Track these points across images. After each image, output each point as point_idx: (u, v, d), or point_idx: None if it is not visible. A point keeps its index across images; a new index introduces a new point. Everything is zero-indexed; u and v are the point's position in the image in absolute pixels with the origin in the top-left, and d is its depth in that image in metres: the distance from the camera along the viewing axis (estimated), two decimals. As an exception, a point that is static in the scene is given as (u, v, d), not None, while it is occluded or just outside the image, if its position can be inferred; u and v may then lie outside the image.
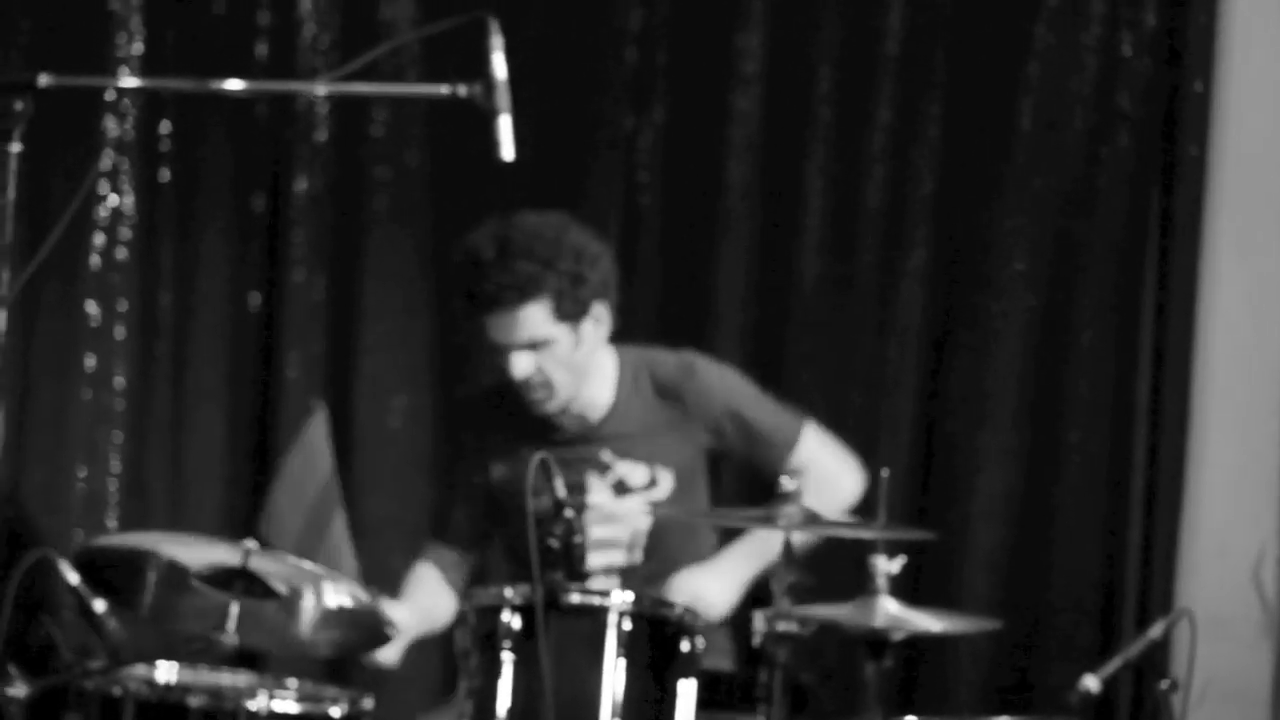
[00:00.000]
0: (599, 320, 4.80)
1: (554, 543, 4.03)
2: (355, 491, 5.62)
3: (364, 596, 4.53)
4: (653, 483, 4.89)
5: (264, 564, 4.36)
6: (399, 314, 5.72)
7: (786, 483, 4.21)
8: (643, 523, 4.88)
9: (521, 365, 4.70)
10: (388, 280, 5.71)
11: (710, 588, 4.68)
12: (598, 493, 4.86)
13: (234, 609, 4.39)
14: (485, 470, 4.87)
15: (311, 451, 5.03)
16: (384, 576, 5.41)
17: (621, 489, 4.88)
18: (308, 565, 4.48)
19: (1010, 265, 5.94)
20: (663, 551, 4.90)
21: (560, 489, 4.06)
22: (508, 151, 3.86)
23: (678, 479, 4.89)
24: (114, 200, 5.46)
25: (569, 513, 4.06)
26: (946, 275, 5.97)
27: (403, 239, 5.72)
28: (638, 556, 4.89)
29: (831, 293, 5.91)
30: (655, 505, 4.85)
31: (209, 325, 5.60)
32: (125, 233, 5.47)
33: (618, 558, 4.87)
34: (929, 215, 5.93)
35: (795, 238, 5.89)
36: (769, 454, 4.87)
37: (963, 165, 5.96)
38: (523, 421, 4.84)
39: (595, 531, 4.85)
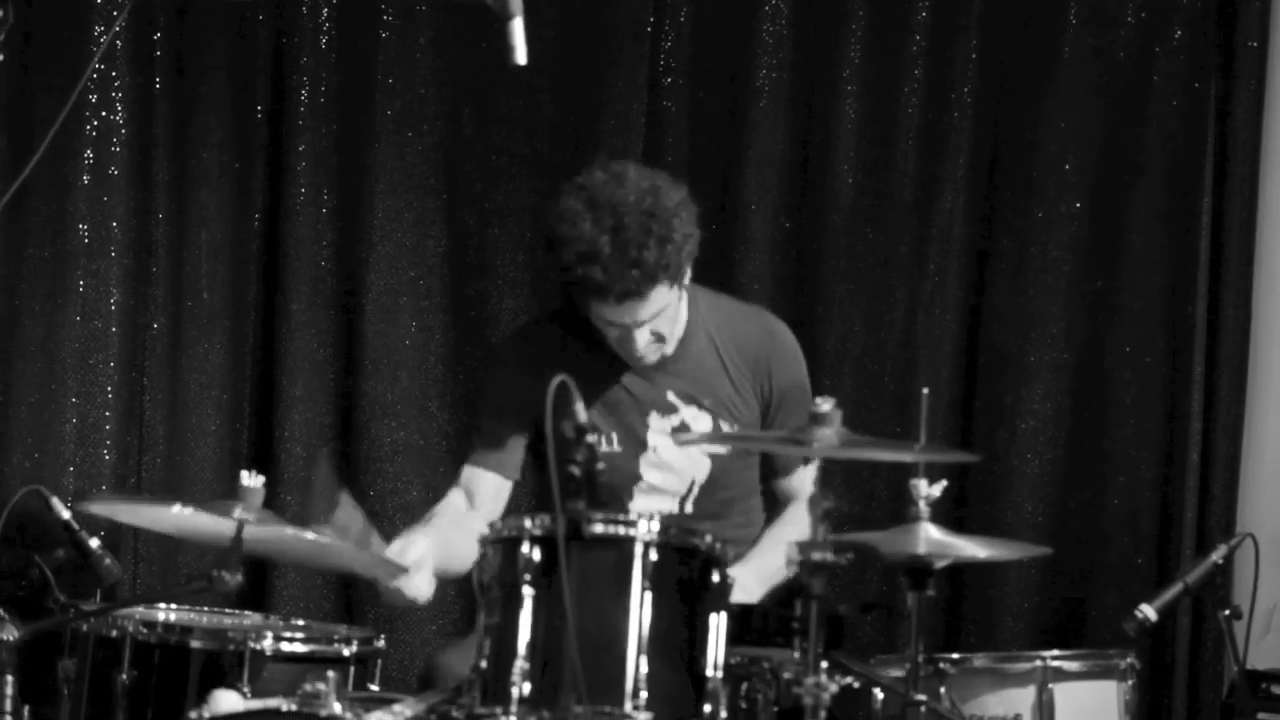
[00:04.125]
0: (690, 265, 4.74)
1: (575, 470, 3.80)
2: (366, 418, 5.58)
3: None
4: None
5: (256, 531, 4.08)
6: (410, 228, 5.62)
7: (821, 403, 3.99)
8: (700, 474, 4.79)
9: (644, 339, 4.65)
10: (398, 192, 5.61)
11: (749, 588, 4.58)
12: (658, 434, 4.76)
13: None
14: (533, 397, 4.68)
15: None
16: (400, 506, 5.45)
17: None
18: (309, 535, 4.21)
19: (1057, 168, 5.86)
20: (712, 506, 4.82)
21: (581, 414, 3.82)
22: (521, 56, 3.95)
23: None
24: (104, 113, 5.37)
25: (591, 438, 3.82)
26: (989, 181, 5.90)
27: (413, 148, 5.62)
28: (688, 509, 4.79)
29: (867, 203, 5.83)
30: (688, 439, 4.74)
31: (208, 244, 5.50)
32: (117, 148, 5.38)
33: (667, 506, 4.77)
34: (970, 118, 5.86)
35: (829, 144, 5.81)
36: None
37: (1006, 63, 5.88)
38: (589, 352, 4.73)
39: (649, 476, 4.77)
